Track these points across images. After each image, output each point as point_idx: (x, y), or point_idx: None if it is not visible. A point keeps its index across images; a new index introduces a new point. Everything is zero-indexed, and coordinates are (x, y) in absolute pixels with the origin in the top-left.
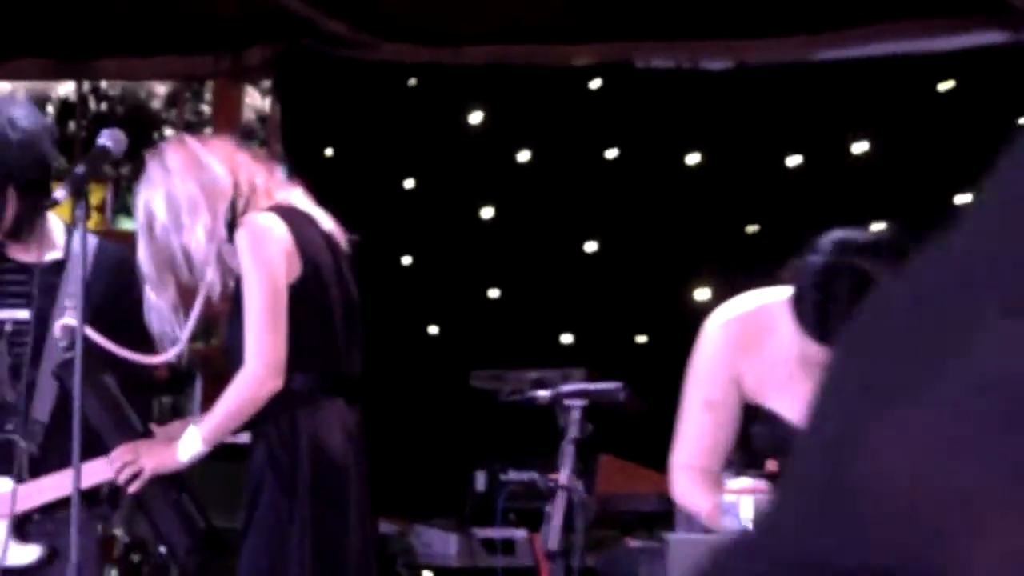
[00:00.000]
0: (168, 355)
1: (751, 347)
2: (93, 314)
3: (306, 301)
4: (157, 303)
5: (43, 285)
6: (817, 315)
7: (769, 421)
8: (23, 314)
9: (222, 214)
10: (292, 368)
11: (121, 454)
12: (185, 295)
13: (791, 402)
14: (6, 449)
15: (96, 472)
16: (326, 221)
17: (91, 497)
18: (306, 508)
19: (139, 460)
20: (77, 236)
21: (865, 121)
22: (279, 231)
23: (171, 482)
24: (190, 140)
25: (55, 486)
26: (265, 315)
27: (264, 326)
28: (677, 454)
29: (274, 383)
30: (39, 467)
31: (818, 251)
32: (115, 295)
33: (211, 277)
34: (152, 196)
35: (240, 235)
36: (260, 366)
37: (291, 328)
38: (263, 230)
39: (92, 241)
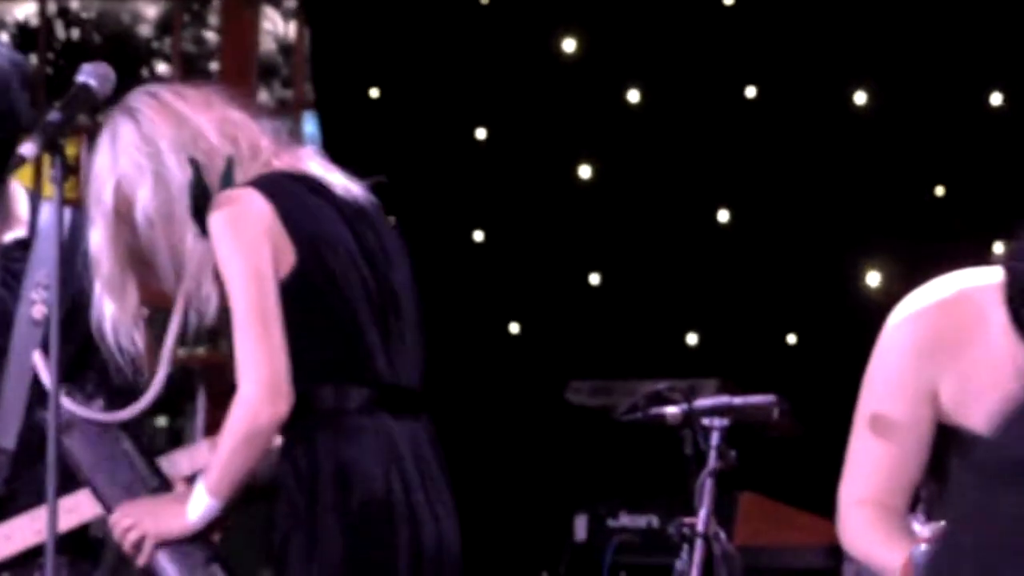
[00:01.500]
0: (137, 407)
1: (949, 349)
2: (69, 308)
3: (310, 298)
4: (114, 312)
5: (3, 273)
6: None
7: (972, 445)
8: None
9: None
10: (309, 382)
11: (118, 518)
12: (156, 298)
13: None
14: None
15: (79, 509)
16: (349, 187)
17: (73, 549)
18: (336, 560)
19: (141, 524)
20: (47, 207)
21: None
22: (259, 211)
23: (192, 547)
24: (167, 93)
25: (26, 529)
26: (252, 325)
27: (253, 338)
28: (847, 489)
29: (274, 408)
30: (7, 507)
31: None
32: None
33: (207, 289)
34: (127, 171)
35: (212, 221)
36: (253, 388)
37: (295, 334)
38: (239, 215)
39: (67, 214)
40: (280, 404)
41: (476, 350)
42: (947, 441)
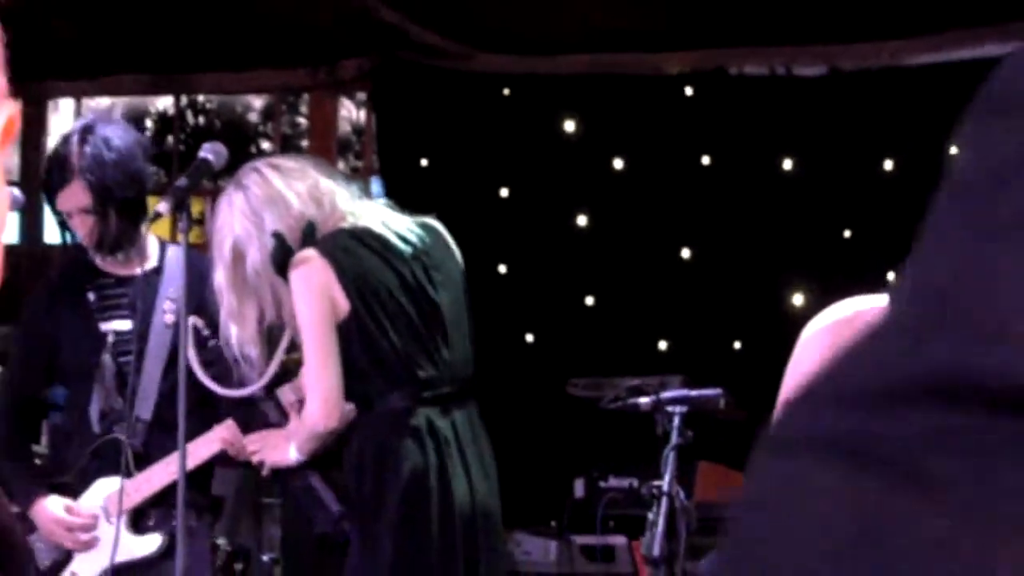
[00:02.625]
0: (254, 388)
1: None
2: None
3: (360, 333)
4: (237, 332)
5: (142, 295)
6: None
7: None
8: (125, 325)
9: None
10: (363, 391)
11: (250, 442)
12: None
13: None
14: (114, 449)
15: (199, 452)
16: (410, 229)
17: (199, 504)
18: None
19: (262, 452)
20: (172, 248)
21: (960, 124)
22: (320, 270)
23: (333, 477)
24: (269, 169)
25: (162, 472)
26: (317, 356)
27: (315, 367)
28: None
29: (327, 421)
30: (143, 462)
31: None
32: (204, 299)
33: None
34: (240, 234)
35: (291, 277)
36: (315, 406)
37: (350, 359)
38: (306, 274)
39: (181, 251)
40: (333, 417)
41: (501, 354)
42: None
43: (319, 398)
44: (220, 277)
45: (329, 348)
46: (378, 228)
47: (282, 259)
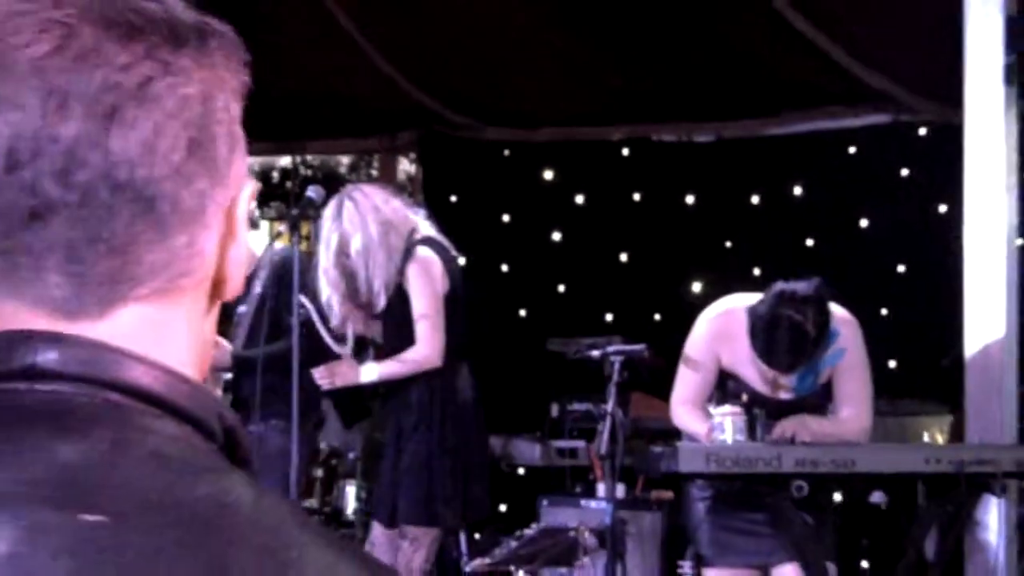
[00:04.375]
0: (346, 348)
1: (723, 338)
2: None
3: (450, 308)
4: (338, 306)
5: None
6: (764, 349)
7: (736, 379)
8: (242, 308)
9: (397, 252)
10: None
11: (321, 373)
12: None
13: (752, 374)
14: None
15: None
16: (450, 245)
17: (304, 418)
18: (447, 432)
19: (332, 377)
20: (271, 249)
21: (800, 171)
22: (436, 262)
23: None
24: (367, 189)
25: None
26: (433, 321)
27: (432, 327)
28: (675, 395)
29: (435, 363)
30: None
31: (766, 299)
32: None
33: (383, 302)
34: (349, 233)
35: (415, 266)
36: (427, 352)
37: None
38: (430, 263)
39: (279, 250)
40: (438, 362)
41: (503, 324)
42: (724, 378)
43: (431, 348)
44: (324, 261)
45: (441, 318)
46: (438, 236)
47: (404, 256)
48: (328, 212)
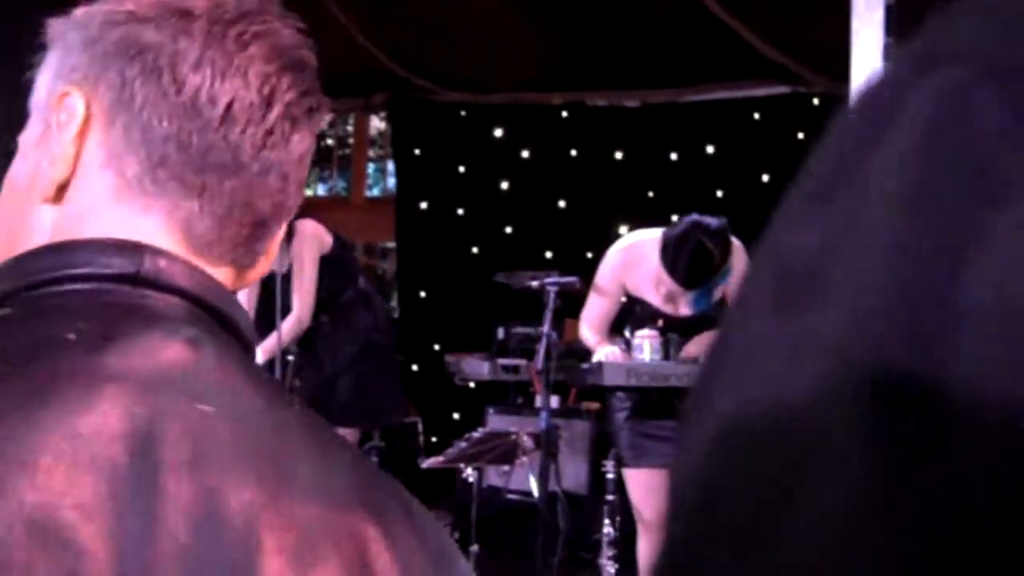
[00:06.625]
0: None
1: (629, 266)
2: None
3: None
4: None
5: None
6: (672, 264)
7: (642, 304)
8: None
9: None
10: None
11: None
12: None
13: (655, 297)
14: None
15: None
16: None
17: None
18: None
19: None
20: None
21: (713, 133)
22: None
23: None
24: None
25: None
26: (309, 283)
27: (308, 289)
28: (583, 317)
29: (309, 321)
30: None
31: (680, 224)
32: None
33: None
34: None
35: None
36: (304, 311)
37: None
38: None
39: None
40: (310, 320)
41: (460, 261)
42: (631, 303)
43: (308, 304)
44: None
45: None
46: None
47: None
48: None
